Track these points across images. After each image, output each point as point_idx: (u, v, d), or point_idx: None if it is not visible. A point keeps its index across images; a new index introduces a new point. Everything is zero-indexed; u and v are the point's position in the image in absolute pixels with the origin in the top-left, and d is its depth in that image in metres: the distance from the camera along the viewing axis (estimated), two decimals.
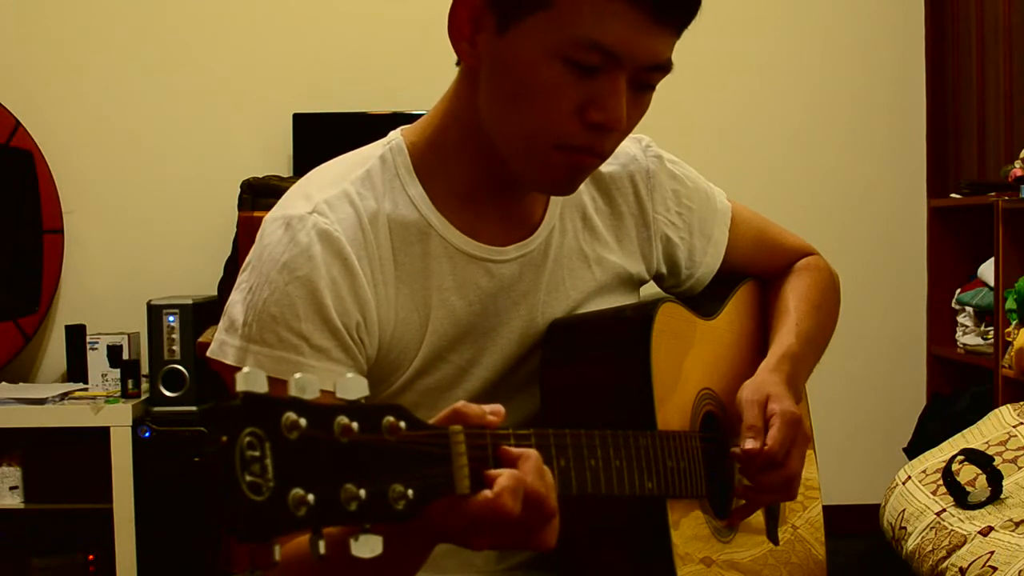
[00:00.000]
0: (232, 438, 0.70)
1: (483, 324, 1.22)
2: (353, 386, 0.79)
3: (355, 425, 0.77)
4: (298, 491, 0.72)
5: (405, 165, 1.20)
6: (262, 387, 0.73)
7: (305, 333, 1.11)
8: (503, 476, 0.86)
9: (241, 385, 0.72)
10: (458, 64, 1.19)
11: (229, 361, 1.13)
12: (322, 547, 0.74)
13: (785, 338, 1.36)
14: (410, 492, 0.79)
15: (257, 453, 0.71)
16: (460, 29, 1.14)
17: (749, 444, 1.21)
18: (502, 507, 0.85)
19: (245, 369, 0.73)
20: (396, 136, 1.23)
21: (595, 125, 1.10)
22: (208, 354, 1.16)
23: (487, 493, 0.85)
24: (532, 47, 1.09)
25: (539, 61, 1.09)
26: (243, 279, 1.16)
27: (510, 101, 1.12)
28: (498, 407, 0.91)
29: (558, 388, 1.22)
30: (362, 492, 0.75)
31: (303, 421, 0.73)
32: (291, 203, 1.17)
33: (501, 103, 1.13)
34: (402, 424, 0.80)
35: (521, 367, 1.25)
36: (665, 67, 1.13)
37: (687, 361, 1.27)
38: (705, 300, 1.39)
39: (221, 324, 1.16)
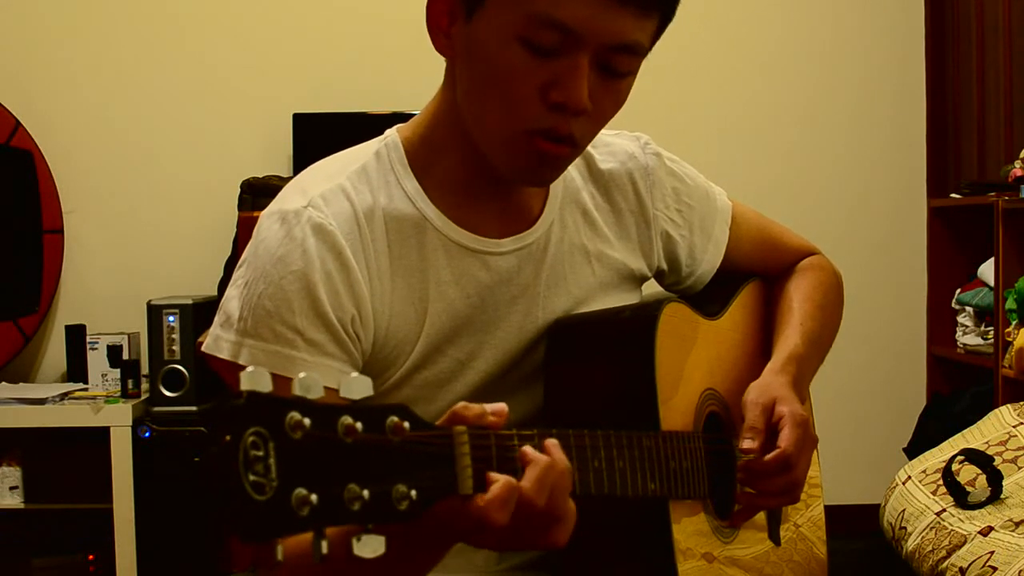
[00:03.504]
0: (236, 437, 0.70)
1: (481, 317, 1.22)
2: (357, 385, 0.79)
3: (359, 425, 0.76)
4: (301, 491, 0.72)
5: (400, 160, 1.20)
6: (266, 386, 0.72)
7: (299, 327, 1.11)
8: (496, 485, 0.86)
9: (245, 384, 0.72)
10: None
11: (224, 356, 1.13)
12: (324, 547, 0.74)
13: (790, 339, 1.36)
14: (413, 493, 0.78)
15: (261, 453, 0.71)
16: (437, 22, 1.15)
17: (746, 444, 1.21)
18: (487, 516, 0.85)
19: (249, 368, 0.73)
20: (391, 133, 1.23)
21: (557, 106, 1.09)
22: (203, 349, 1.16)
23: (478, 500, 0.85)
24: (493, 31, 1.09)
25: (500, 45, 1.09)
26: (239, 275, 1.16)
27: (478, 89, 1.12)
28: (500, 406, 0.91)
29: (562, 387, 1.22)
30: (365, 492, 0.75)
31: (307, 421, 0.73)
32: (287, 198, 1.17)
33: (472, 92, 1.13)
34: (406, 424, 0.80)
35: (522, 363, 1.24)
36: (632, 49, 1.11)
37: (691, 361, 1.27)
38: (709, 300, 1.39)
39: (216, 319, 1.17)
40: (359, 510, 0.75)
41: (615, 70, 1.11)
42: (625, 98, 1.15)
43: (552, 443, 0.92)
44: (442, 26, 1.14)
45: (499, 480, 0.86)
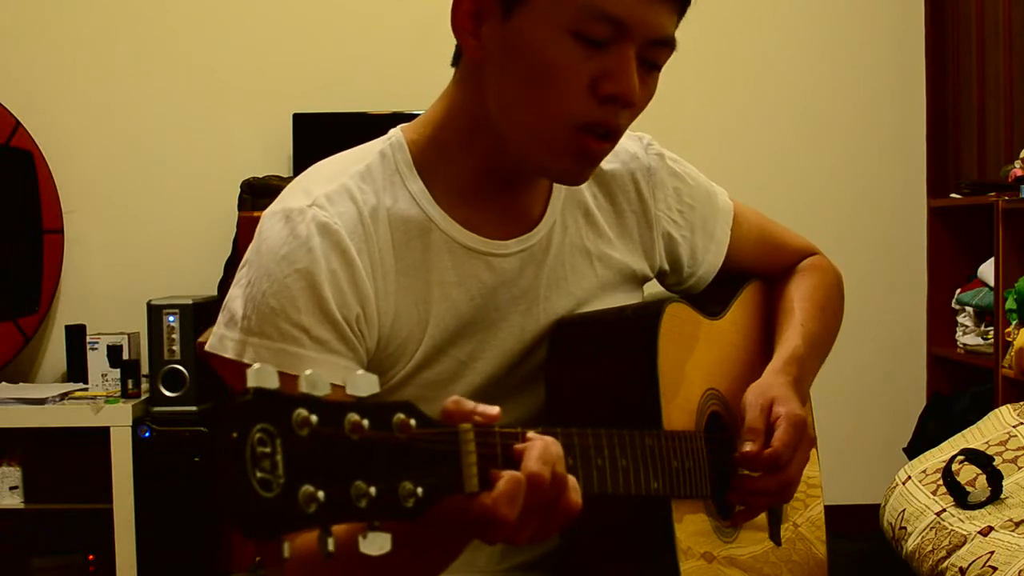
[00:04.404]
0: (243, 434, 0.69)
1: (484, 318, 1.22)
2: (364, 383, 0.78)
3: (366, 422, 0.76)
4: (308, 488, 0.72)
5: (405, 161, 1.20)
6: (273, 383, 0.72)
7: (305, 325, 1.10)
8: (502, 480, 0.86)
9: (252, 381, 0.71)
10: (453, 64, 1.20)
11: (228, 355, 1.13)
12: (331, 544, 0.74)
13: (791, 340, 1.36)
14: (419, 490, 0.78)
15: (268, 449, 0.70)
16: (463, 23, 1.14)
17: (747, 447, 1.22)
18: (496, 512, 0.85)
19: (256, 365, 0.72)
20: (396, 133, 1.23)
21: (609, 98, 1.11)
22: (207, 348, 1.15)
23: (484, 497, 0.85)
24: (540, 25, 1.09)
25: (549, 39, 1.09)
26: (242, 274, 1.16)
27: (523, 85, 1.12)
28: (491, 411, 0.89)
29: (564, 386, 1.22)
30: (372, 490, 0.75)
31: (314, 418, 0.73)
32: (290, 197, 1.17)
33: (514, 89, 1.13)
34: (412, 422, 0.79)
35: (523, 363, 1.25)
36: (670, 44, 1.13)
37: (693, 361, 1.27)
38: (711, 300, 1.39)
39: (220, 319, 1.16)
40: (366, 507, 0.75)
41: (655, 63, 1.14)
42: (654, 91, 1.17)
43: (532, 433, 0.92)
44: (469, 27, 1.14)
45: (504, 476, 0.86)
